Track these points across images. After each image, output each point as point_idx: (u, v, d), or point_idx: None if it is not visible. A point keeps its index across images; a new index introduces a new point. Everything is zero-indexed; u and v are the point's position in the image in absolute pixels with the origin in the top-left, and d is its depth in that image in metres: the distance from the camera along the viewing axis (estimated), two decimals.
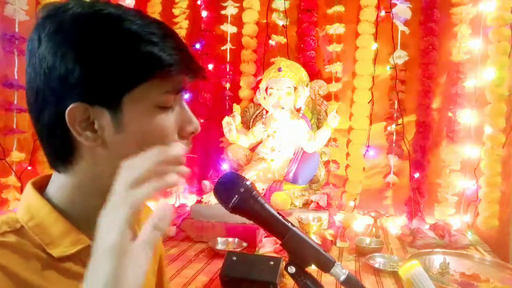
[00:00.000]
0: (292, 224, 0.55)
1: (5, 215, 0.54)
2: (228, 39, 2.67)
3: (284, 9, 2.58)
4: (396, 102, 2.43)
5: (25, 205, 0.54)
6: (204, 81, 0.59)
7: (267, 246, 1.71)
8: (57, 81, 0.49)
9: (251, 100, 2.56)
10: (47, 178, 0.57)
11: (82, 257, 0.53)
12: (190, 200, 2.68)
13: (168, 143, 0.52)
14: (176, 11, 2.70)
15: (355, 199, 2.48)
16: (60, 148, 0.53)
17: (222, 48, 2.69)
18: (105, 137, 0.51)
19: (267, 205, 0.56)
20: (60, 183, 0.55)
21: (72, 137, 0.51)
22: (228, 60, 2.70)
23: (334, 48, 2.52)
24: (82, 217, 0.54)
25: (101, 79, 0.49)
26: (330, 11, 2.55)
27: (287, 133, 2.25)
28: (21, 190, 2.06)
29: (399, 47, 2.40)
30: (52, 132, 0.52)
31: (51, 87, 0.49)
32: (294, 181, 2.20)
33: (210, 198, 2.10)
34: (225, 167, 2.42)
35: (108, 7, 0.51)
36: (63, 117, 0.49)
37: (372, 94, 2.48)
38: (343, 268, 0.54)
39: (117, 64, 0.49)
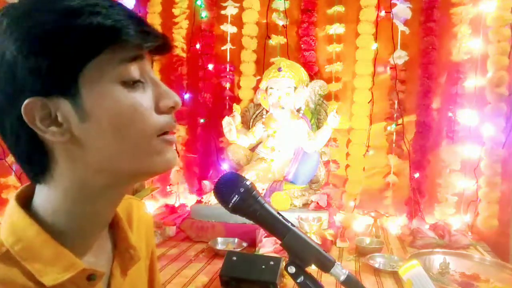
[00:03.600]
0: (292, 224, 0.55)
1: None
2: (228, 39, 2.67)
3: (284, 9, 2.58)
4: (396, 102, 2.43)
5: (10, 224, 0.49)
6: (168, 52, 0.51)
7: (267, 246, 1.71)
8: (5, 82, 0.45)
9: (251, 100, 2.56)
10: (32, 188, 0.52)
11: (77, 282, 0.49)
12: (190, 200, 2.68)
13: (150, 123, 0.48)
14: (176, 11, 2.70)
15: (355, 199, 2.48)
16: (31, 155, 0.48)
17: (222, 48, 2.69)
18: (73, 129, 0.46)
19: (267, 205, 0.56)
20: (44, 195, 0.50)
21: (41, 139, 0.47)
22: (228, 60, 2.70)
23: (334, 48, 2.52)
24: (73, 230, 0.50)
25: (47, 65, 0.44)
26: (330, 11, 2.55)
27: (287, 133, 2.25)
28: None
29: (399, 47, 2.40)
30: (17, 140, 0.47)
31: (1, 90, 0.45)
32: (294, 181, 2.20)
33: (210, 198, 2.10)
34: (225, 167, 2.42)
35: None
36: (22, 118, 0.44)
37: (372, 94, 2.48)
38: (343, 268, 0.54)
39: (58, 45, 0.44)
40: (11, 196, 1.80)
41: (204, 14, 2.68)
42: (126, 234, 0.58)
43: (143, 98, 0.49)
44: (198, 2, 2.69)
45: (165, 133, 0.51)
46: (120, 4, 0.48)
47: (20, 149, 0.49)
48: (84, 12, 0.44)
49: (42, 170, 0.49)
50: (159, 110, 0.50)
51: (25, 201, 0.51)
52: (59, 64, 0.44)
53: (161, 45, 0.50)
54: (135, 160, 0.49)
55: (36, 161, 0.49)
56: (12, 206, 0.50)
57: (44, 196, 0.50)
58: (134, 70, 0.48)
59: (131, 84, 0.48)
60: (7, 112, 0.46)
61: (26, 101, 0.44)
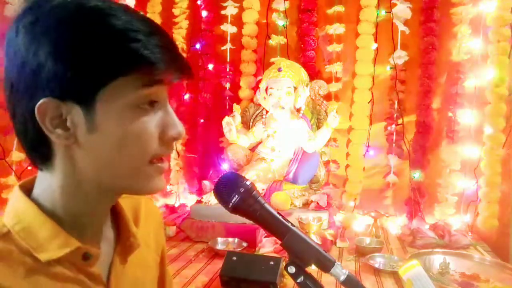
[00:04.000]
0: (292, 224, 0.55)
1: None
2: (228, 39, 2.67)
3: (284, 9, 2.58)
4: (396, 102, 2.43)
5: (12, 208, 0.52)
6: (191, 80, 0.55)
7: (267, 246, 1.71)
8: (30, 75, 0.47)
9: (251, 100, 2.56)
10: (35, 179, 0.55)
11: (72, 260, 0.51)
12: (190, 200, 2.68)
13: (150, 149, 0.51)
14: (176, 11, 2.70)
15: (355, 199, 2.48)
16: (35, 145, 0.51)
17: (222, 48, 2.69)
18: (78, 136, 0.49)
19: (267, 205, 0.56)
20: (44, 184, 0.53)
21: (46, 135, 0.49)
22: (228, 60, 2.70)
23: (334, 48, 2.52)
24: (69, 218, 0.53)
25: (74, 74, 0.46)
26: (330, 11, 2.55)
27: (287, 133, 2.25)
28: None
29: (399, 47, 2.40)
30: (25, 128, 0.50)
31: (24, 80, 0.48)
32: (294, 181, 2.20)
33: (210, 198, 2.10)
34: (225, 167, 2.42)
35: (93, 1, 0.48)
36: (34, 112, 0.47)
37: (372, 94, 2.48)
38: (343, 268, 0.54)
39: (92, 59, 0.46)
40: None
41: (204, 14, 2.68)
42: (127, 223, 0.61)
43: (152, 124, 0.51)
44: (198, 2, 2.69)
45: (159, 159, 0.53)
46: (159, 32, 0.50)
47: (27, 138, 0.51)
48: (126, 37, 0.46)
49: (44, 160, 0.52)
50: (162, 138, 0.52)
51: (27, 190, 0.54)
52: (84, 77, 0.46)
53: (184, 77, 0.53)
54: (127, 179, 0.52)
55: (39, 152, 0.51)
56: (15, 192, 0.53)
57: (45, 184, 0.53)
58: (151, 95, 0.50)
59: (144, 107, 0.50)
60: (23, 102, 0.48)
61: (42, 100, 0.47)
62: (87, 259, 0.52)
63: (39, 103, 0.47)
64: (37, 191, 0.53)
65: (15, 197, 0.53)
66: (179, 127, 0.53)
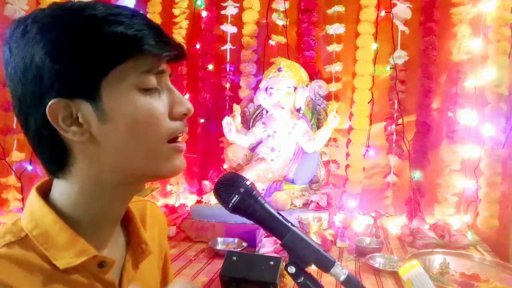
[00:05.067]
0: (292, 224, 0.55)
1: (10, 224, 0.53)
2: (228, 39, 2.67)
3: (284, 9, 2.57)
4: (396, 102, 2.43)
5: (30, 212, 0.53)
6: (183, 61, 0.55)
7: (267, 246, 1.71)
8: (32, 83, 0.48)
9: (251, 100, 2.56)
10: (51, 181, 0.55)
11: (88, 267, 0.52)
12: (190, 200, 2.68)
13: (163, 128, 0.52)
14: (176, 11, 2.70)
15: (355, 199, 2.48)
16: (52, 152, 0.51)
17: (222, 48, 2.69)
18: (92, 129, 0.49)
19: (267, 205, 0.56)
20: (62, 189, 0.53)
21: (61, 137, 0.50)
22: (228, 60, 2.70)
23: (334, 48, 2.52)
24: (87, 222, 0.53)
25: (72, 70, 0.47)
26: (330, 11, 2.54)
27: (287, 133, 2.25)
28: (21, 190, 2.06)
29: (399, 47, 2.40)
30: (40, 136, 0.50)
31: (29, 91, 0.48)
32: (294, 181, 2.20)
33: (210, 198, 2.10)
34: (225, 167, 2.42)
35: (70, 2, 0.50)
36: (46, 117, 0.48)
37: (372, 94, 2.48)
38: (343, 268, 0.54)
39: (84, 51, 0.47)
40: (11, 196, 1.80)
41: (204, 14, 2.68)
42: (139, 230, 0.61)
43: (159, 104, 0.52)
44: (198, 2, 2.69)
45: (176, 140, 0.54)
46: (141, 14, 0.51)
47: (42, 146, 0.52)
48: (107, 21, 0.48)
49: (61, 167, 0.52)
50: (172, 116, 0.53)
51: (44, 193, 0.54)
52: (84, 70, 0.48)
53: (178, 54, 0.54)
54: (146, 162, 0.52)
55: (56, 158, 0.52)
56: (32, 196, 0.54)
57: (61, 190, 0.54)
58: (152, 80, 0.51)
59: (149, 90, 0.51)
60: (33, 111, 0.49)
61: (50, 102, 0.48)
62: (103, 267, 0.53)
63: (48, 105, 0.47)
64: (54, 196, 0.54)
65: (33, 200, 0.53)
66: (187, 104, 0.54)
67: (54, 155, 0.52)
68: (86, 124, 0.49)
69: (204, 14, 2.71)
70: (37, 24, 0.48)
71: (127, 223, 0.61)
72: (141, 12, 0.53)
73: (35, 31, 0.48)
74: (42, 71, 0.47)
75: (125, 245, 0.60)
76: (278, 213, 0.56)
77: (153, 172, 0.54)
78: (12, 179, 2.06)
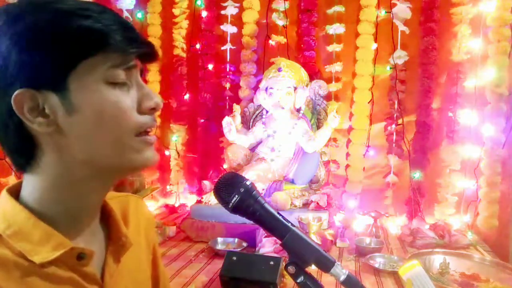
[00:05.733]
0: (292, 224, 0.55)
1: None
2: (228, 39, 2.67)
3: (284, 9, 2.57)
4: (396, 102, 2.43)
5: (1, 213, 0.52)
6: (154, 60, 0.55)
7: (267, 246, 1.71)
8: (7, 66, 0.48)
9: (251, 100, 2.56)
10: (21, 184, 0.55)
11: (66, 260, 0.51)
12: (190, 200, 2.68)
13: (131, 120, 0.52)
14: (176, 11, 2.70)
15: (355, 199, 2.48)
16: (18, 144, 0.51)
17: (222, 48, 2.69)
18: (58, 121, 0.49)
19: (267, 205, 0.56)
20: (32, 185, 0.53)
21: (28, 129, 0.50)
22: (228, 60, 2.70)
23: (334, 48, 2.52)
24: (61, 217, 0.53)
25: (40, 61, 0.47)
26: (330, 11, 2.54)
27: (287, 133, 2.25)
28: None
29: (399, 47, 2.40)
30: (6, 130, 0.50)
31: None
32: (294, 181, 2.20)
33: (210, 198, 2.10)
34: (225, 167, 2.42)
35: None
36: (12, 107, 0.48)
37: (372, 94, 2.48)
38: (343, 268, 0.54)
39: (52, 43, 0.47)
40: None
41: (204, 14, 2.68)
42: (118, 223, 0.61)
43: (126, 98, 0.52)
44: (198, 2, 2.69)
45: (145, 133, 0.54)
46: (111, 11, 0.52)
47: (8, 139, 0.51)
48: (75, 15, 0.48)
49: (28, 160, 0.52)
50: (140, 111, 0.53)
51: (15, 193, 0.54)
52: (52, 62, 0.48)
53: (148, 52, 0.54)
54: (114, 155, 0.53)
55: (23, 151, 0.51)
56: (3, 197, 0.53)
57: (31, 186, 0.53)
58: (121, 74, 0.51)
59: (117, 84, 0.51)
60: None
61: (16, 92, 0.47)
62: (81, 259, 0.52)
63: (14, 95, 0.47)
64: (24, 194, 0.53)
65: (3, 201, 0.53)
66: (155, 98, 0.54)
67: (21, 147, 0.51)
68: (53, 115, 0.49)
69: (204, 14, 2.71)
70: (5, 15, 0.49)
71: (106, 218, 0.61)
72: (110, 9, 0.53)
73: (2, 22, 0.48)
74: (7, 61, 0.47)
75: (105, 241, 0.60)
76: (278, 213, 0.56)
77: (122, 164, 0.54)
78: (12, 179, 2.06)
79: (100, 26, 0.48)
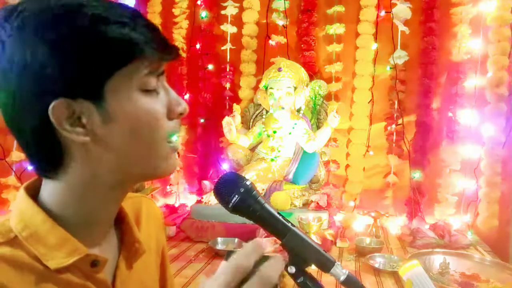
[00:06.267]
0: (292, 224, 0.55)
1: None
2: (228, 39, 2.67)
3: (284, 9, 2.57)
4: (396, 102, 2.43)
5: (18, 212, 0.51)
6: (178, 60, 0.57)
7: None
8: (33, 80, 0.46)
9: (251, 100, 2.56)
10: (41, 180, 0.54)
11: (80, 266, 0.51)
12: (190, 200, 2.68)
13: (162, 127, 0.52)
14: (176, 11, 2.70)
15: (355, 199, 2.48)
16: (49, 153, 0.50)
17: (222, 48, 2.69)
18: (95, 130, 0.49)
19: (267, 205, 0.56)
20: (52, 188, 0.52)
21: (59, 137, 0.49)
22: (228, 60, 2.70)
23: (334, 48, 2.52)
24: (78, 222, 0.52)
25: (78, 70, 0.46)
26: (330, 11, 2.55)
27: (287, 133, 2.25)
28: None
29: (399, 47, 2.40)
30: (39, 137, 0.49)
31: (27, 88, 0.46)
32: (294, 181, 2.20)
33: (210, 198, 2.10)
34: (225, 167, 2.42)
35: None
36: (47, 118, 0.46)
37: (372, 94, 2.48)
38: (343, 268, 0.54)
39: (89, 53, 0.46)
40: (11, 196, 1.81)
41: (204, 14, 2.68)
42: (132, 229, 0.61)
43: (158, 105, 0.52)
44: (198, 2, 2.69)
45: (172, 140, 0.54)
46: (141, 15, 0.51)
47: (38, 146, 0.50)
48: (111, 22, 0.47)
49: (56, 167, 0.51)
50: (169, 116, 0.54)
51: (33, 192, 0.53)
52: (90, 71, 0.47)
53: (175, 56, 0.54)
54: (147, 162, 0.53)
55: (52, 158, 0.50)
56: (21, 196, 0.53)
57: (51, 190, 0.52)
58: (153, 81, 0.52)
59: (149, 91, 0.51)
60: (30, 108, 0.47)
61: (53, 103, 0.46)
62: (95, 266, 0.52)
63: (51, 106, 0.46)
64: (43, 195, 0.53)
65: (21, 201, 0.52)
66: (183, 104, 0.55)
67: (51, 155, 0.50)
68: (90, 124, 0.48)
69: (204, 14, 2.70)
70: (36, 19, 0.46)
71: (120, 222, 0.61)
72: (136, 9, 0.52)
73: (35, 27, 0.46)
74: (44, 69, 0.45)
75: (118, 245, 0.60)
76: (278, 213, 0.56)
77: (151, 171, 0.54)
78: (12, 179, 2.06)
79: (136, 35, 0.48)
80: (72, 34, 0.46)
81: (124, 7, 0.51)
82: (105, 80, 0.48)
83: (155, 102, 0.52)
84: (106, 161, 0.51)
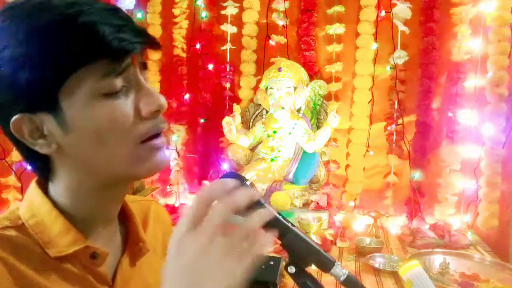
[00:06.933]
0: (292, 224, 0.55)
1: (7, 212, 0.54)
2: (228, 39, 2.67)
3: (284, 9, 2.57)
4: (396, 102, 2.43)
5: (28, 202, 0.54)
6: (156, 49, 0.47)
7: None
8: (4, 91, 0.47)
9: (251, 100, 2.56)
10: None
11: (80, 257, 0.52)
12: (190, 200, 2.68)
13: (131, 131, 0.49)
14: (176, 11, 2.70)
15: (355, 199, 2.48)
16: (33, 159, 0.52)
17: (222, 48, 2.68)
18: (58, 141, 0.49)
19: (267, 205, 0.56)
20: (54, 188, 0.54)
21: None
22: (228, 60, 2.70)
23: (334, 48, 2.52)
24: (80, 218, 0.54)
25: (27, 80, 0.44)
26: (330, 11, 2.54)
27: (287, 133, 2.25)
28: (21, 190, 2.06)
29: (399, 47, 2.40)
30: (21, 150, 0.51)
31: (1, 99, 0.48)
32: (294, 181, 2.20)
33: None
34: (225, 167, 2.42)
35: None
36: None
37: (372, 94, 2.48)
38: (343, 268, 0.54)
39: (39, 58, 0.44)
40: (11, 196, 1.81)
41: (204, 14, 2.68)
42: (137, 228, 0.61)
43: (124, 107, 0.48)
44: (198, 2, 2.69)
45: (152, 138, 0.51)
46: (103, 7, 0.47)
47: (25, 155, 0.53)
48: (61, 22, 0.44)
49: (46, 173, 0.53)
50: (141, 117, 0.49)
51: (43, 186, 0.55)
52: (39, 80, 0.45)
53: (148, 42, 0.49)
54: (121, 166, 0.51)
55: (39, 165, 0.53)
56: (32, 187, 0.55)
57: (54, 189, 0.55)
58: (115, 83, 0.47)
59: (111, 94, 0.47)
60: (4, 122, 0.49)
61: (13, 118, 0.47)
62: (95, 258, 0.53)
63: (11, 121, 0.47)
64: (51, 190, 0.55)
65: (32, 191, 0.55)
66: (158, 100, 0.50)
67: (36, 162, 0.53)
68: (51, 136, 0.48)
69: (204, 14, 2.70)
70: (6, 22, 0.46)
71: (126, 221, 0.61)
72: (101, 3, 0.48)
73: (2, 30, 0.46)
74: (3, 80, 0.45)
75: (122, 243, 0.60)
76: (278, 213, 0.56)
77: (132, 173, 0.52)
78: (12, 179, 2.06)
79: (88, 18, 0.44)
80: (26, 41, 0.44)
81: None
82: (57, 88, 0.45)
83: (120, 104, 0.48)
84: (80, 168, 0.51)
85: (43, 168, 0.53)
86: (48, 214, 0.52)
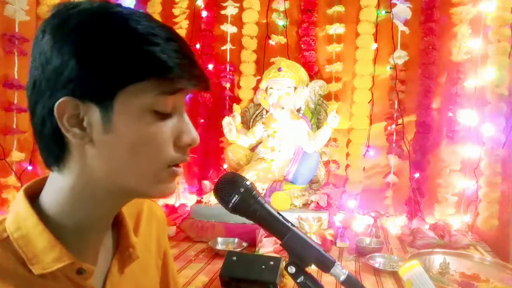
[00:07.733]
0: (292, 224, 0.55)
1: None
2: (228, 39, 2.67)
3: (284, 9, 2.58)
4: (396, 102, 2.43)
5: (14, 214, 0.52)
6: (207, 92, 0.52)
7: (267, 246, 1.71)
8: (52, 73, 0.48)
9: (251, 100, 2.56)
10: (42, 182, 0.55)
11: (66, 273, 0.51)
12: (190, 200, 2.68)
13: (165, 155, 0.51)
14: (176, 11, 2.70)
15: (355, 199, 2.48)
16: (50, 143, 0.51)
17: (222, 48, 2.69)
18: (93, 135, 0.49)
19: (267, 205, 0.56)
20: (54, 187, 0.53)
21: (62, 133, 0.49)
22: (228, 60, 2.70)
23: (334, 48, 2.52)
24: (72, 226, 0.52)
25: (95, 74, 0.47)
26: (330, 11, 2.55)
27: (287, 133, 2.25)
28: None
29: (399, 47, 2.40)
30: (43, 126, 0.50)
31: (46, 79, 0.48)
32: (294, 181, 2.20)
33: (210, 198, 2.10)
34: (225, 167, 2.42)
35: (118, 7, 0.50)
36: (53, 110, 0.48)
37: (372, 94, 2.48)
38: (343, 268, 0.54)
39: (112, 60, 0.47)
40: (11, 196, 1.80)
41: (204, 14, 2.68)
42: (128, 233, 0.60)
43: (166, 130, 0.51)
44: (198, 2, 2.69)
45: (175, 165, 0.53)
46: (178, 38, 0.52)
47: (43, 137, 0.51)
48: (145, 39, 0.48)
49: (57, 161, 0.51)
50: (176, 145, 0.52)
51: (33, 193, 0.54)
52: (104, 78, 0.47)
53: (202, 87, 0.54)
54: (138, 182, 0.52)
55: (54, 152, 0.51)
56: (19, 197, 0.53)
57: (54, 188, 0.53)
58: (169, 104, 0.50)
59: (162, 114, 0.50)
60: (44, 97, 0.49)
61: (62, 99, 0.47)
62: (81, 274, 0.52)
63: (58, 101, 0.47)
64: (44, 196, 0.53)
65: (19, 201, 0.53)
66: (193, 134, 0.53)
67: (52, 148, 0.51)
68: (90, 129, 0.49)
69: (204, 14, 2.71)
70: (75, 21, 0.48)
71: (118, 225, 0.60)
72: (179, 36, 0.53)
73: (72, 27, 0.48)
74: (64, 66, 0.47)
75: (113, 248, 0.60)
76: (278, 213, 0.56)
77: (145, 191, 0.53)
78: (12, 179, 2.06)
79: (164, 56, 0.48)
80: (101, 41, 0.47)
81: (165, 28, 0.50)
82: (118, 89, 0.48)
83: (164, 126, 0.51)
84: (99, 168, 0.50)
85: (57, 156, 0.51)
86: (34, 227, 0.50)
